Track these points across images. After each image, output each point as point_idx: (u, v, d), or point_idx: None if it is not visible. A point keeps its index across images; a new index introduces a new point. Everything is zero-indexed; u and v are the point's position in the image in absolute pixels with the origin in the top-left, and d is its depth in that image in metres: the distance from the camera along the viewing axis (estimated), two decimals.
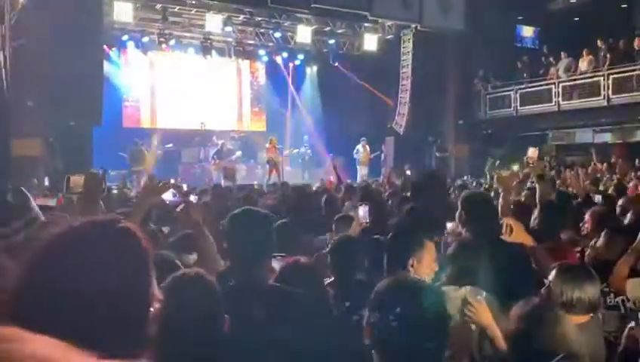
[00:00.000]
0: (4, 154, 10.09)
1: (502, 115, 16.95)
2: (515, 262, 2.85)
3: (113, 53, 15.27)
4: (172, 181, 5.87)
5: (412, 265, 2.53)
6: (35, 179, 8.60)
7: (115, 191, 7.76)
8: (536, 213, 4.06)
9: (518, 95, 16.63)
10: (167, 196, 3.28)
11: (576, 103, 15.22)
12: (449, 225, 3.67)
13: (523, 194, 5.87)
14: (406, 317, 1.42)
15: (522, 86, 16.65)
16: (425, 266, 2.55)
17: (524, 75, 17.14)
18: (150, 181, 5.51)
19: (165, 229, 4.28)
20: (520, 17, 17.75)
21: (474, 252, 2.65)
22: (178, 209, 2.94)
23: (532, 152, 11.76)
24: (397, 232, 2.89)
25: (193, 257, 2.89)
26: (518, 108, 16.64)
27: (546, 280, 2.43)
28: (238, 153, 15.90)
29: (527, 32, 17.89)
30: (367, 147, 16.00)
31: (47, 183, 10.20)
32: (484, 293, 2.36)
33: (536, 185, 4.91)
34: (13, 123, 10.42)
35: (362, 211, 4.05)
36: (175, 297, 1.78)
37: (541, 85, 16.26)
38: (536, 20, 17.78)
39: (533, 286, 2.62)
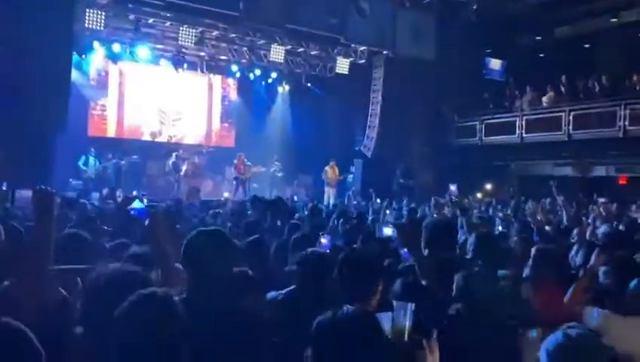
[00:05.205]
0: None
1: (468, 143, 17.34)
2: None
3: (83, 60, 15.00)
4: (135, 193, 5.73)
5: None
6: None
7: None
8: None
9: (483, 125, 17.07)
10: (135, 206, 3.21)
11: (538, 136, 15.69)
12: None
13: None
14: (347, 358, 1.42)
15: (488, 117, 17.10)
16: None
17: (490, 105, 17.60)
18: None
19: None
20: (489, 50, 18.28)
21: None
22: (146, 223, 2.89)
23: (454, 188, 12.76)
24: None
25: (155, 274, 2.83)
26: (483, 138, 17.08)
27: None
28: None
29: (495, 64, 18.43)
30: (336, 168, 16.03)
31: (4, 188, 9.89)
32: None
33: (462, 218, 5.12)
34: None
35: (326, 240, 4.01)
36: (138, 319, 1.69)
37: (506, 117, 16.74)
38: (504, 54, 18.34)
39: None
